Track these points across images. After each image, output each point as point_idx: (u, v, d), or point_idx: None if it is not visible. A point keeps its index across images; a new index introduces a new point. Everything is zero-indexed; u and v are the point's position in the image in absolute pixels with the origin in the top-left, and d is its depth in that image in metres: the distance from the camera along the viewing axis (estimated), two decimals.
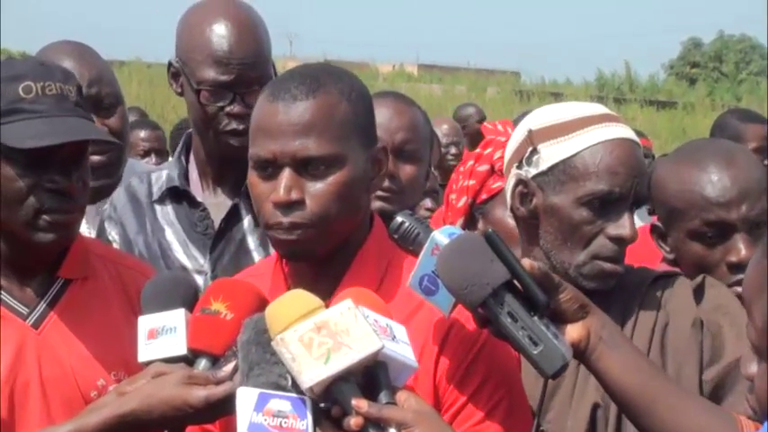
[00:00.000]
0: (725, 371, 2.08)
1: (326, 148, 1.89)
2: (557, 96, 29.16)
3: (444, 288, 1.81)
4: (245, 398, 1.69)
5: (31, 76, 2.12)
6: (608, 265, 2.13)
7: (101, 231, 2.86)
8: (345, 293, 1.79)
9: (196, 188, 2.81)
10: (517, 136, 2.22)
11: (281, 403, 1.69)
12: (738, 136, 4.92)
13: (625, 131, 2.17)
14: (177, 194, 2.79)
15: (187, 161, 2.85)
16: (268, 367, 1.72)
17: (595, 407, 2.10)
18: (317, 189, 1.89)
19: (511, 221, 2.62)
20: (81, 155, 2.15)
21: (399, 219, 1.93)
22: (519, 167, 2.18)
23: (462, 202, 2.72)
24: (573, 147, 2.13)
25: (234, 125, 2.68)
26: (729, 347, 2.09)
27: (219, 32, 2.70)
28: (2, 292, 2.18)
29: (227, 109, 2.68)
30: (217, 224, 2.72)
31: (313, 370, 1.67)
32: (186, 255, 2.74)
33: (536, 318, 1.78)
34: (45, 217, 2.11)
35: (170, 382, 1.83)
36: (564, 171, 2.13)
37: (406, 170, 2.95)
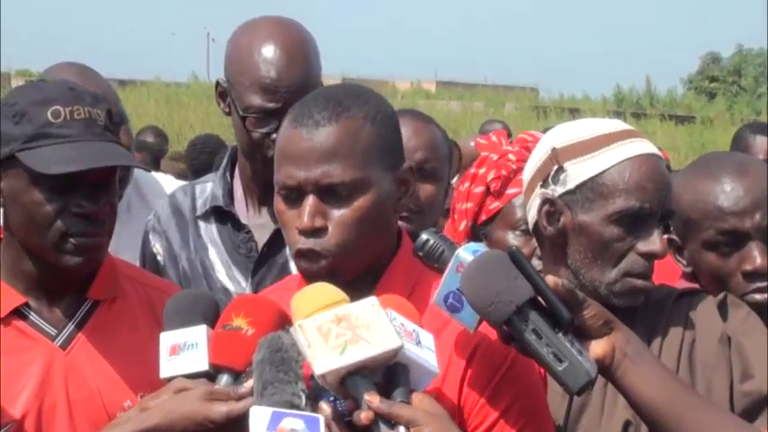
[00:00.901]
0: (757, 397, 2.08)
1: (350, 173, 1.88)
2: (574, 112, 29.13)
3: (469, 305, 1.82)
4: (259, 417, 1.68)
5: (60, 100, 2.13)
6: (639, 282, 2.13)
7: (145, 243, 2.85)
8: (380, 299, 1.79)
9: (240, 207, 2.78)
10: (539, 154, 2.22)
11: (294, 422, 1.68)
12: (748, 148, 4.96)
13: (649, 147, 2.17)
14: (221, 213, 2.77)
15: (231, 177, 2.82)
16: (282, 386, 1.72)
17: (626, 425, 2.09)
18: (341, 215, 1.89)
19: (513, 241, 2.61)
20: (108, 179, 2.16)
21: (424, 236, 1.93)
22: (544, 186, 2.17)
23: (463, 225, 2.69)
24: (600, 164, 2.12)
25: None
26: (758, 371, 2.09)
27: (267, 58, 2.64)
28: (31, 312, 2.20)
29: (274, 136, 2.59)
30: (260, 247, 2.70)
31: (327, 358, 1.67)
32: (228, 277, 2.72)
33: (560, 334, 1.78)
34: (72, 240, 2.13)
35: (191, 397, 1.83)
36: (592, 189, 2.12)
37: (426, 189, 2.94)
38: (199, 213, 2.79)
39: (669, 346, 2.13)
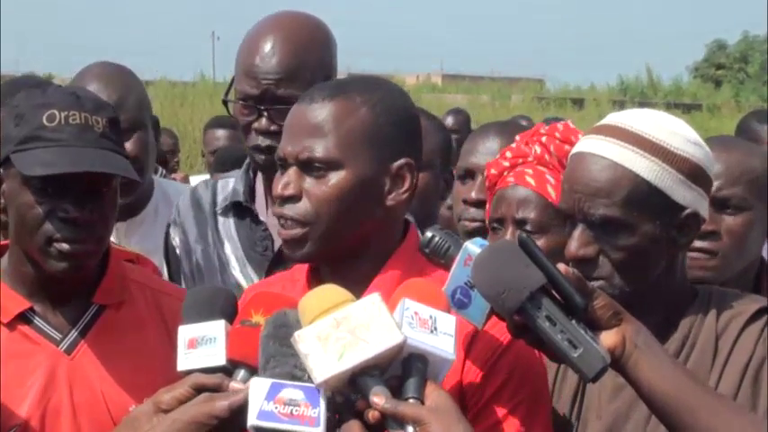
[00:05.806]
0: None
1: (329, 151, 1.91)
2: (578, 102, 29.12)
3: (477, 300, 1.80)
4: (258, 387, 1.69)
5: (58, 104, 2.13)
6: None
7: (166, 236, 2.85)
8: (403, 285, 1.79)
9: (260, 204, 2.76)
10: None
11: (293, 392, 1.68)
12: (755, 137, 4.93)
13: (594, 145, 2.02)
14: (241, 209, 2.76)
15: (255, 175, 2.80)
16: (283, 359, 1.72)
17: None
18: (315, 188, 1.92)
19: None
20: (99, 186, 2.14)
21: (429, 233, 1.90)
22: None
23: None
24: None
25: (258, 141, 2.63)
26: None
27: (254, 45, 2.63)
28: (36, 317, 2.20)
29: (255, 125, 2.62)
30: (277, 245, 2.65)
31: (324, 366, 1.66)
32: (243, 274, 2.71)
33: (573, 321, 1.76)
34: (56, 245, 2.11)
35: (191, 403, 1.83)
36: None
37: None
38: (219, 208, 2.79)
39: (733, 363, 2.02)
